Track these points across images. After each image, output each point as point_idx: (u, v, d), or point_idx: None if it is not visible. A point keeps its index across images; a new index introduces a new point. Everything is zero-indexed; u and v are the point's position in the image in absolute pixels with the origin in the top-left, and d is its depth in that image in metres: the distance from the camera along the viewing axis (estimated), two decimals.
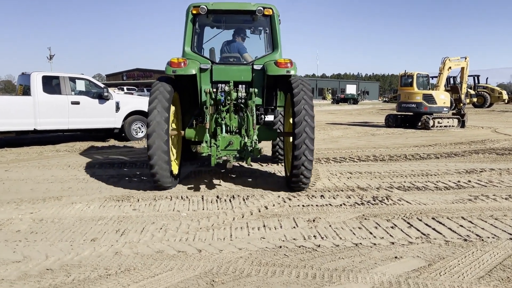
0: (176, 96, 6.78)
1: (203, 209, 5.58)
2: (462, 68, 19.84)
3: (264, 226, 4.90)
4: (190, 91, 7.00)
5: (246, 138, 6.31)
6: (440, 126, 18.53)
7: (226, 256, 4.01)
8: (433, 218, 5.22)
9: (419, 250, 4.17)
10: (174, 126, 7.01)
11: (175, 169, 6.78)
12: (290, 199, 6.05)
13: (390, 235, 4.60)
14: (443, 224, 4.99)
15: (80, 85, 12.67)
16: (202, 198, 6.12)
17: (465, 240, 4.47)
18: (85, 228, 4.81)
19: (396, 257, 3.99)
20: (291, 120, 6.86)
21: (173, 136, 6.94)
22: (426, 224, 4.99)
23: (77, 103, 11.85)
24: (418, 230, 4.79)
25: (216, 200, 6.02)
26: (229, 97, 6.33)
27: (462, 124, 19.10)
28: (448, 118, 18.91)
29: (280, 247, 4.23)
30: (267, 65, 6.54)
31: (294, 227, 4.86)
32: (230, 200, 6.03)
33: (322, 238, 4.51)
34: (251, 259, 3.95)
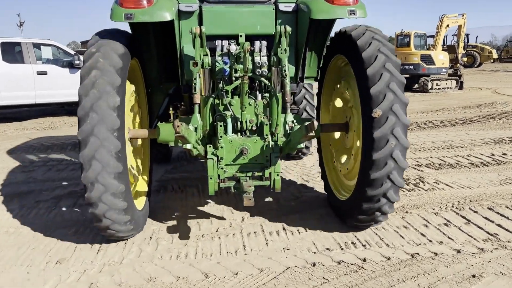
0: (135, 64, 3.86)
1: (201, 205, 4.45)
2: (459, 26, 18.71)
3: (284, 229, 3.81)
4: (161, 52, 4.10)
5: (270, 140, 3.48)
6: (439, 89, 17.55)
7: (243, 285, 2.91)
8: (489, 208, 4.21)
9: (498, 262, 3.15)
10: (136, 121, 4.09)
11: (141, 193, 4.01)
12: (306, 188, 4.96)
13: (449, 238, 3.56)
14: (507, 217, 3.98)
15: (47, 53, 11.13)
16: (198, 188, 4.98)
17: None
18: (49, 241, 3.63)
19: (474, 276, 2.95)
20: (338, 102, 4.22)
21: (134, 141, 3.89)
22: (486, 218, 3.97)
23: (44, 73, 10.36)
24: (480, 227, 3.77)
25: (216, 191, 4.87)
26: (238, 65, 3.46)
27: (460, 85, 18.15)
28: (446, 79, 17.92)
29: (314, 264, 3.15)
30: (310, 3, 3.62)
31: (323, 229, 3.78)
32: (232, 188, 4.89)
33: (363, 245, 3.45)
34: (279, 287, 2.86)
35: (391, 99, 3.15)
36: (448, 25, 18.27)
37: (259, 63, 3.52)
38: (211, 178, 3.40)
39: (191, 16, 3.81)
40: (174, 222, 3.99)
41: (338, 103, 4.22)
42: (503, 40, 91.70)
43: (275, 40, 3.49)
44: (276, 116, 3.57)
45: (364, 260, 3.20)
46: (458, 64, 18.73)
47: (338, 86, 4.12)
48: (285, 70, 3.48)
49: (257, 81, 3.66)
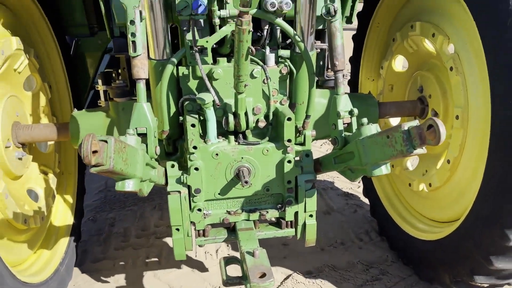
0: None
1: None
2: None
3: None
4: None
5: (295, 149, 1.85)
6: None
7: None
8: None
9: None
10: (39, 107, 2.23)
11: (48, 248, 2.25)
12: None
13: None
14: None
15: None
16: None
17: None
18: None
19: None
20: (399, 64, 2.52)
21: (40, 148, 2.28)
22: None
23: None
24: None
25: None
26: None
27: None
28: None
29: (321, 271, 2.34)
30: None
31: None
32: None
33: None
34: None
35: None
36: None
37: None
38: (177, 229, 1.78)
39: None
40: (127, 213, 3.09)
41: (399, 65, 2.46)
42: None
43: None
44: (309, 98, 1.87)
45: None
46: None
47: (401, 35, 2.27)
48: (333, 1, 1.73)
49: (266, 28, 1.84)
